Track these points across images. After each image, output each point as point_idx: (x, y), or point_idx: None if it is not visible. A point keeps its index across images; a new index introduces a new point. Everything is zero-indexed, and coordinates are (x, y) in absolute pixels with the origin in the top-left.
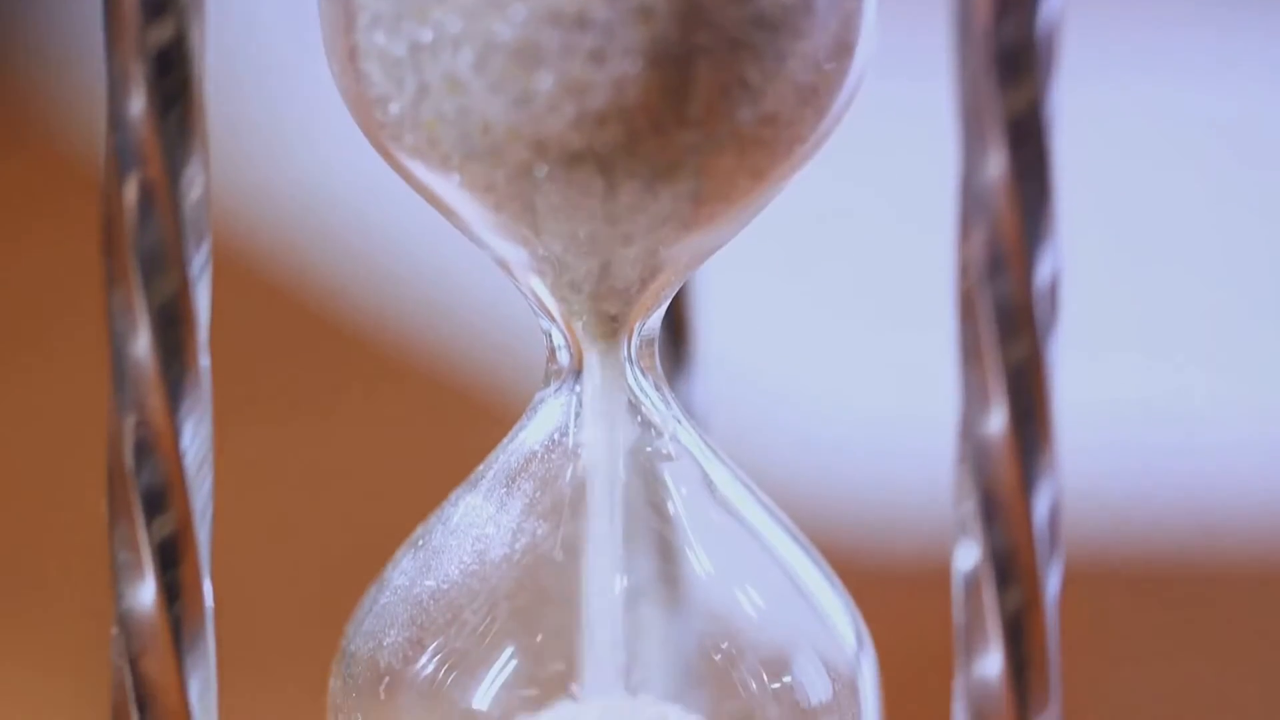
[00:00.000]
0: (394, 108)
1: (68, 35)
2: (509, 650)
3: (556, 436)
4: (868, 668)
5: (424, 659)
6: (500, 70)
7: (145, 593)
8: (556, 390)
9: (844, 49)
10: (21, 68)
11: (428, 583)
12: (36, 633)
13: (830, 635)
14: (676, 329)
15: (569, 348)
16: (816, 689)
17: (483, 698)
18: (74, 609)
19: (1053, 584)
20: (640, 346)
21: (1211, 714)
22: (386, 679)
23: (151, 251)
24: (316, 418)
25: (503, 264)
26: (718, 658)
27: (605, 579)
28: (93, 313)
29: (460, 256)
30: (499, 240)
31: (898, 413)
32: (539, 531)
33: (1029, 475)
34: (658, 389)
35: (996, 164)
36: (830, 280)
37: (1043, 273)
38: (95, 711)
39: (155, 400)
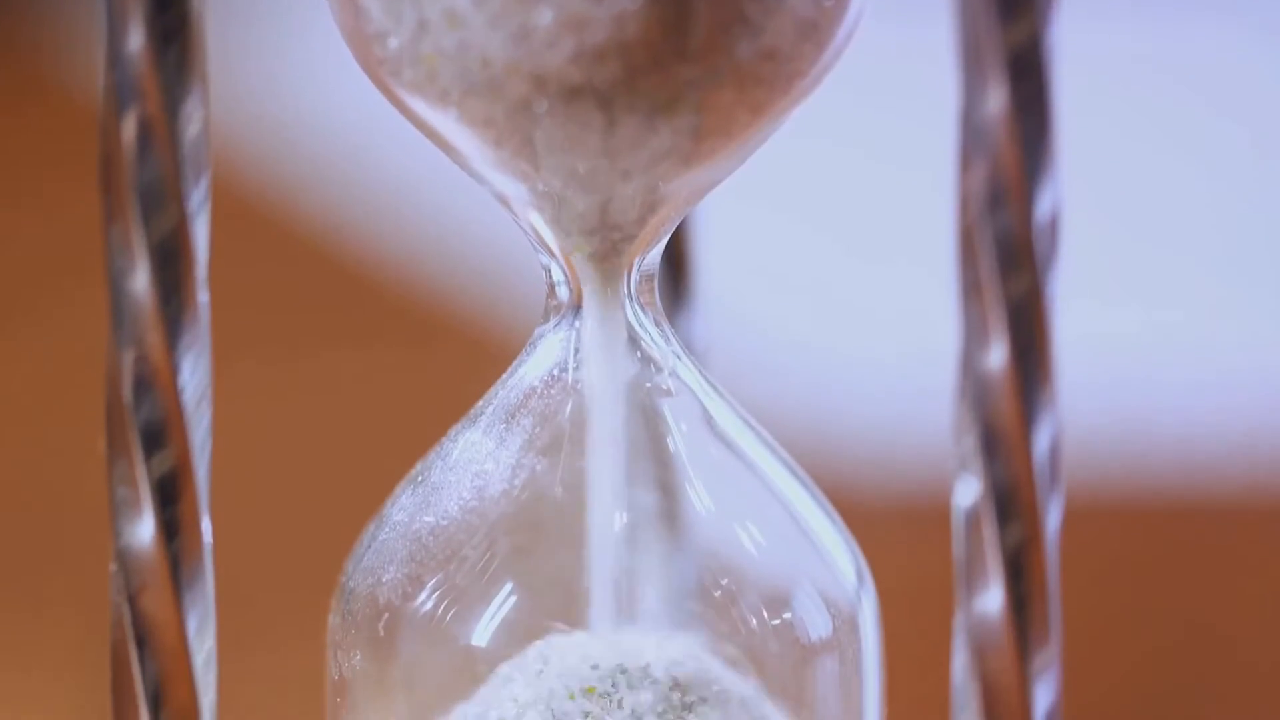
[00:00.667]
0: (393, 43)
1: None
2: (508, 586)
3: (556, 372)
4: (868, 604)
5: (423, 595)
6: (499, 5)
7: (144, 529)
8: (556, 326)
9: None
10: (22, 11)
11: (427, 519)
12: (36, 575)
13: (830, 571)
14: (676, 265)
15: (568, 283)
16: (817, 625)
17: (482, 634)
18: (73, 553)
19: (1053, 519)
20: (640, 282)
21: (1213, 645)
22: (386, 615)
23: (150, 187)
24: (316, 354)
25: (502, 199)
26: (718, 594)
27: (605, 515)
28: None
29: (459, 192)
30: (498, 175)
31: (898, 348)
32: (538, 467)
33: (1029, 410)
34: (657, 325)
35: (997, 99)
36: (829, 216)
37: (1043, 207)
38: (96, 651)
39: (154, 336)
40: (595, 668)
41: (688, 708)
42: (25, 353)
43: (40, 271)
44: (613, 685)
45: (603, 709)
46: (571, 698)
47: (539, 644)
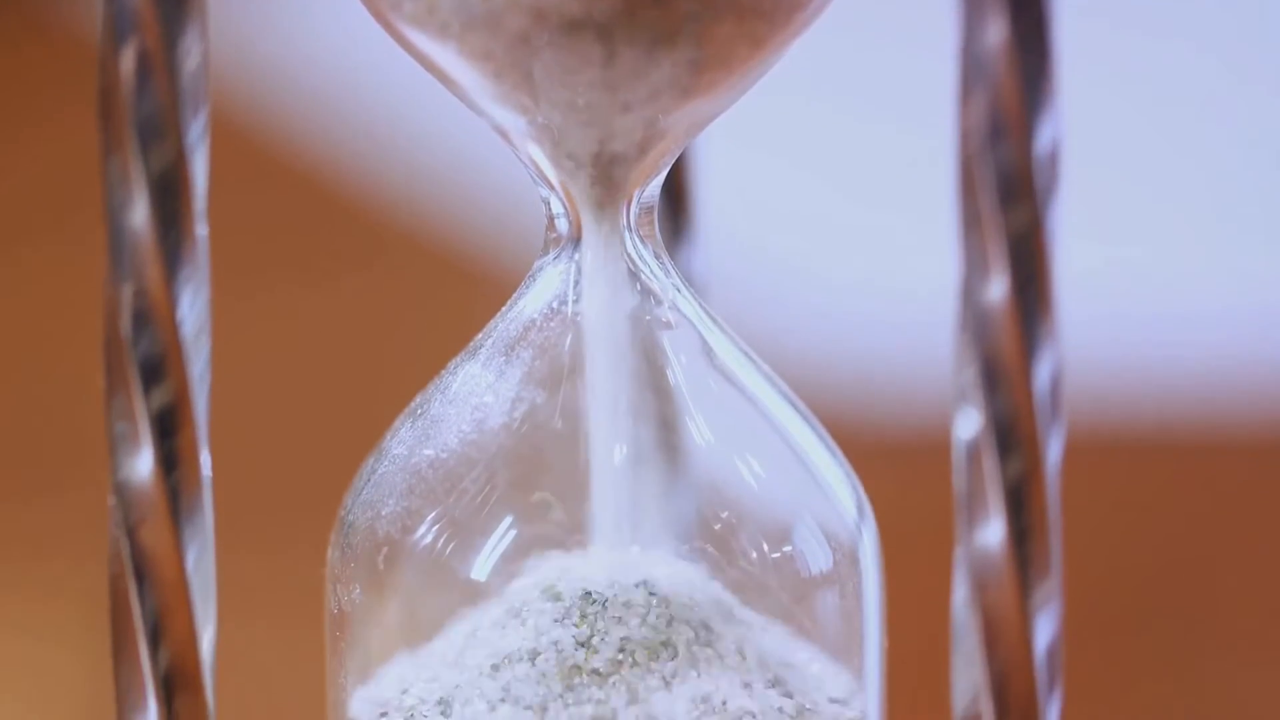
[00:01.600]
0: None
1: None
2: (508, 519)
3: (555, 304)
4: (868, 537)
5: (423, 528)
6: None
7: (143, 463)
8: (555, 258)
9: None
10: None
11: (426, 452)
12: (36, 507)
13: (831, 505)
14: (676, 198)
15: (568, 215)
16: (817, 558)
17: (481, 567)
18: (73, 482)
19: (1054, 452)
20: (639, 214)
21: (1214, 575)
22: (385, 549)
23: (149, 120)
24: (315, 287)
25: (501, 132)
26: (718, 527)
27: (605, 447)
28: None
29: (459, 124)
30: (497, 109)
31: (898, 281)
32: (538, 400)
33: (1030, 342)
34: (657, 257)
35: (996, 31)
36: (830, 149)
37: (1043, 139)
38: (97, 587)
39: (153, 269)
40: (588, 582)
41: (676, 621)
42: (25, 286)
43: (39, 206)
44: (606, 596)
45: (595, 615)
46: (558, 598)
47: (535, 561)
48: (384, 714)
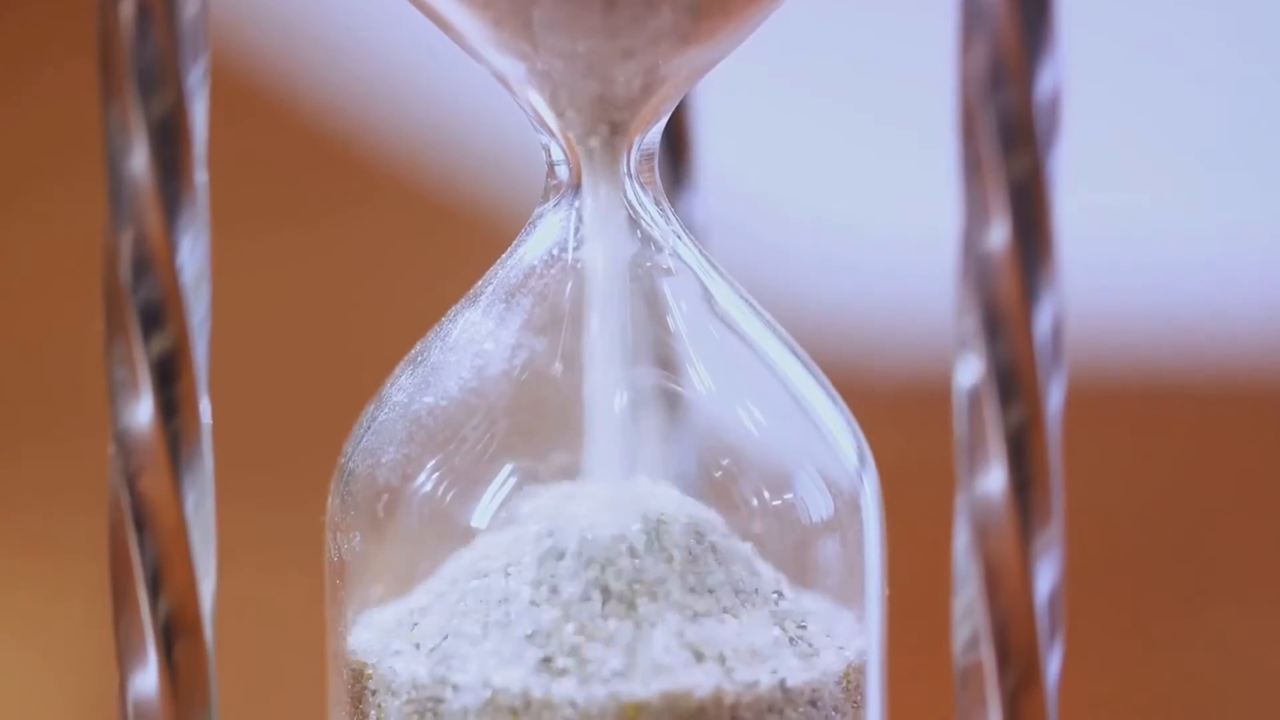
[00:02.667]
0: None
1: None
2: (508, 467)
3: (555, 252)
4: (869, 484)
5: (422, 476)
6: None
7: (142, 410)
8: (555, 205)
9: None
10: None
11: (426, 399)
12: (36, 457)
13: (832, 452)
14: (676, 145)
15: (568, 163)
16: (818, 506)
17: (482, 514)
18: (72, 431)
19: (1055, 398)
20: (640, 161)
21: (1214, 522)
22: (385, 496)
23: (148, 66)
24: (316, 235)
25: (501, 79)
26: (718, 474)
27: (605, 394)
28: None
29: (458, 71)
30: (497, 55)
31: (899, 228)
32: (538, 347)
33: (1031, 289)
34: (657, 204)
35: None
36: (830, 95)
37: (1044, 86)
38: (97, 536)
39: (152, 216)
40: (587, 516)
41: (676, 554)
42: (24, 236)
43: (39, 154)
44: (605, 530)
45: (593, 546)
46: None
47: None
48: (385, 643)
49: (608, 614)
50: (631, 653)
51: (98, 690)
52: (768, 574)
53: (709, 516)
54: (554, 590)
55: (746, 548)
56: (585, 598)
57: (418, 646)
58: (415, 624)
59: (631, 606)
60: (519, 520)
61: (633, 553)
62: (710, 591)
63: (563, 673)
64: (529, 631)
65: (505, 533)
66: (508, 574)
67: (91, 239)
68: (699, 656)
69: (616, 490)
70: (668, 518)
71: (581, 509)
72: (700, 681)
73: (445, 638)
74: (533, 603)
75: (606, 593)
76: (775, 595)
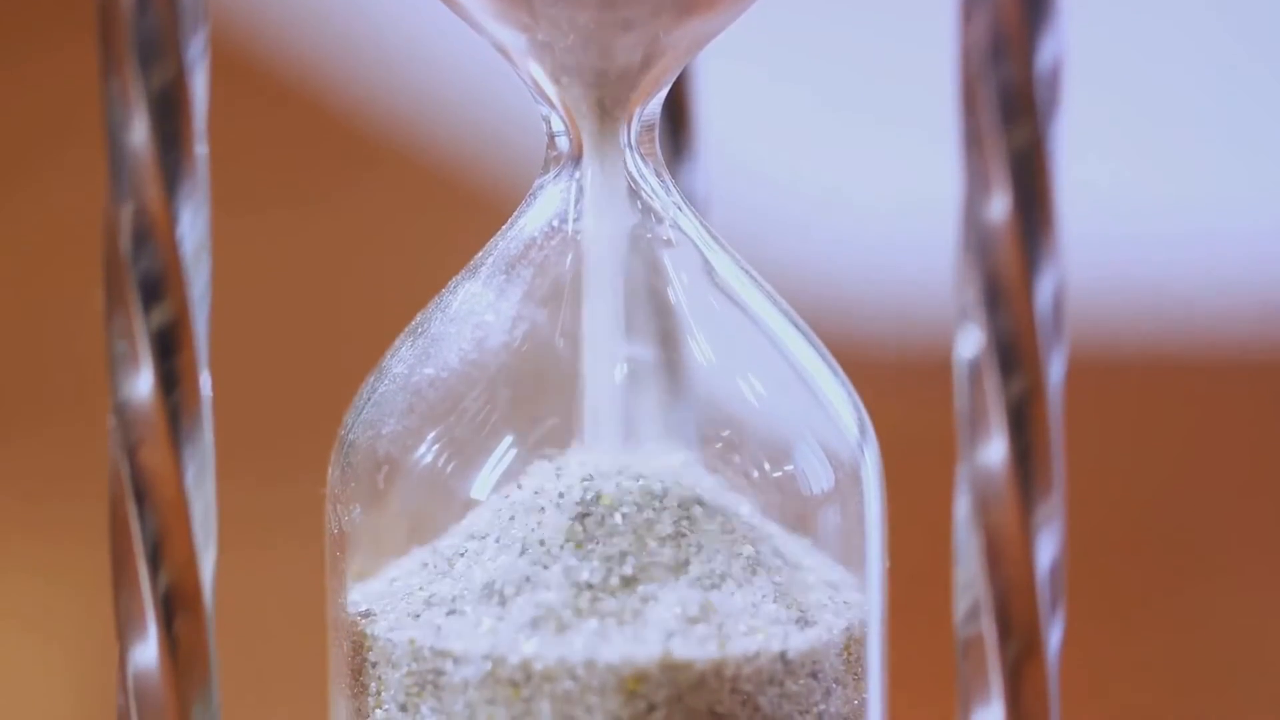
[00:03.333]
0: None
1: None
2: (508, 438)
3: (556, 223)
4: (870, 456)
5: (423, 448)
6: None
7: (142, 383)
8: (556, 176)
9: None
10: None
11: (426, 370)
12: (36, 424)
13: (832, 423)
14: (677, 117)
15: (568, 134)
16: (819, 477)
17: (482, 486)
18: (72, 412)
19: (1056, 370)
20: (640, 132)
21: (1216, 493)
22: (385, 468)
23: (148, 38)
24: (317, 206)
25: (501, 50)
26: (719, 446)
27: (605, 366)
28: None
29: (458, 42)
30: (497, 26)
31: (900, 199)
32: (538, 318)
33: (1032, 260)
34: (658, 175)
35: None
36: (831, 66)
37: (1045, 57)
38: (97, 510)
39: (152, 188)
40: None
41: (679, 514)
42: (25, 210)
43: (39, 129)
44: (604, 486)
45: (593, 504)
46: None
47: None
48: (385, 615)
49: (608, 585)
50: (632, 624)
51: (98, 669)
52: (768, 542)
53: (711, 483)
54: (553, 561)
55: (747, 513)
56: (585, 569)
57: (417, 618)
58: (415, 596)
59: (632, 577)
60: (518, 489)
61: (632, 523)
62: (711, 561)
63: (563, 645)
64: (529, 603)
65: (503, 502)
66: (507, 545)
67: (92, 212)
68: (699, 628)
69: (616, 458)
70: (669, 484)
71: (580, 477)
72: (701, 653)
73: (445, 611)
74: (529, 577)
75: (607, 563)
76: (777, 565)
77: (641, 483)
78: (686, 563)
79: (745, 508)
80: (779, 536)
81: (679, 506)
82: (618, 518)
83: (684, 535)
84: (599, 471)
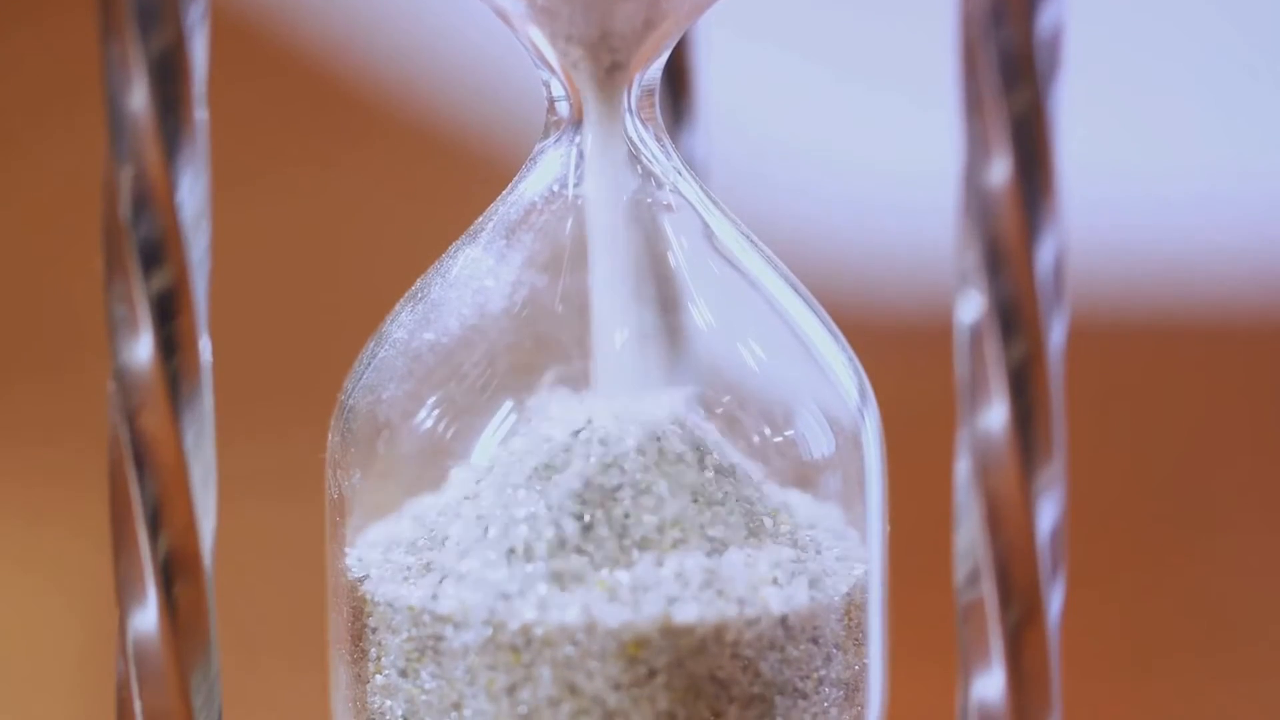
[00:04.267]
0: None
1: None
2: (508, 403)
3: (556, 188)
4: (871, 421)
5: (423, 412)
6: None
7: (142, 348)
8: (556, 141)
9: None
10: None
11: (426, 336)
12: (36, 392)
13: (833, 388)
14: (678, 81)
15: (568, 99)
16: (819, 442)
17: (482, 451)
18: (71, 368)
19: (1057, 334)
20: (640, 97)
21: (1216, 458)
22: (385, 433)
23: (148, 3)
24: (317, 172)
25: (502, 14)
26: (719, 411)
27: (606, 331)
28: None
29: (458, 6)
30: None
31: (900, 164)
32: (539, 283)
33: (1032, 224)
34: (658, 140)
35: None
36: (831, 31)
37: (1045, 21)
38: (96, 473)
39: (152, 153)
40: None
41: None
42: (25, 174)
43: (39, 93)
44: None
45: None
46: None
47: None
48: (385, 580)
49: (609, 549)
50: (632, 589)
51: (109, 622)
52: (769, 505)
53: (713, 441)
54: (553, 526)
55: (748, 475)
56: (585, 532)
57: (417, 583)
58: (414, 560)
59: (632, 541)
60: (515, 448)
61: (634, 486)
62: (713, 524)
63: (563, 610)
64: (529, 568)
65: (502, 462)
66: (506, 508)
67: (92, 177)
68: (700, 592)
69: (618, 415)
70: (670, 444)
71: (578, 432)
72: (701, 617)
73: (444, 576)
74: (530, 542)
75: (608, 526)
76: (779, 529)
77: (643, 443)
78: (688, 526)
79: (747, 469)
80: (780, 499)
81: (683, 469)
82: (619, 480)
83: (687, 496)
84: (603, 429)
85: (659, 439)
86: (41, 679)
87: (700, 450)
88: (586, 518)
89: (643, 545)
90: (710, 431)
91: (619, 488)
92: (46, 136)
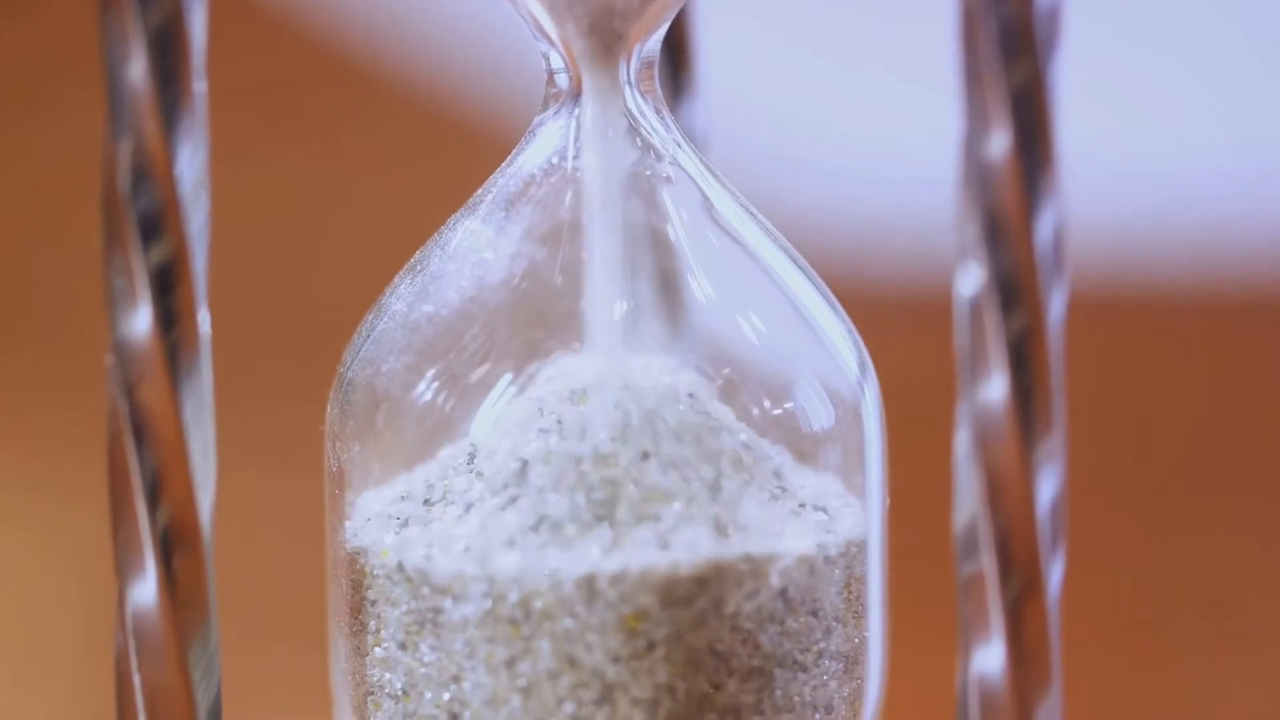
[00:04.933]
0: None
1: None
2: (507, 376)
3: (555, 160)
4: (870, 394)
5: (422, 385)
6: None
7: (141, 320)
8: (555, 114)
9: None
10: None
11: (426, 308)
12: (35, 364)
13: (833, 361)
14: (676, 53)
15: (567, 71)
16: (819, 415)
17: (481, 424)
18: (72, 346)
19: (1057, 306)
20: (640, 69)
21: (1216, 430)
22: (384, 405)
23: None
24: (316, 144)
25: None
26: (719, 383)
27: (604, 303)
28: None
29: None
30: None
31: (899, 137)
32: (538, 255)
33: (1032, 197)
34: (657, 112)
35: None
36: (831, 3)
37: None
38: (95, 444)
39: (150, 125)
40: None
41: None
42: (26, 150)
43: (39, 67)
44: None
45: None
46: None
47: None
48: (384, 551)
49: (608, 520)
50: (632, 562)
51: (109, 588)
52: (767, 464)
53: (715, 405)
54: (549, 491)
55: (747, 439)
56: (587, 495)
57: (416, 555)
58: (415, 533)
59: (629, 504)
60: (517, 412)
61: (633, 442)
62: (715, 487)
63: (562, 584)
64: (528, 537)
65: (499, 425)
66: (509, 483)
67: (91, 149)
68: (700, 566)
69: (619, 380)
70: (671, 408)
71: (573, 395)
72: (702, 591)
73: (442, 547)
74: (530, 507)
75: (606, 487)
76: (778, 494)
77: (643, 406)
78: (685, 498)
79: (749, 433)
80: (780, 463)
81: (681, 445)
82: (619, 449)
83: (683, 463)
84: (605, 400)
85: (660, 403)
86: (42, 646)
87: (696, 416)
88: (588, 481)
89: (641, 521)
90: (712, 394)
91: (620, 463)
92: (46, 109)
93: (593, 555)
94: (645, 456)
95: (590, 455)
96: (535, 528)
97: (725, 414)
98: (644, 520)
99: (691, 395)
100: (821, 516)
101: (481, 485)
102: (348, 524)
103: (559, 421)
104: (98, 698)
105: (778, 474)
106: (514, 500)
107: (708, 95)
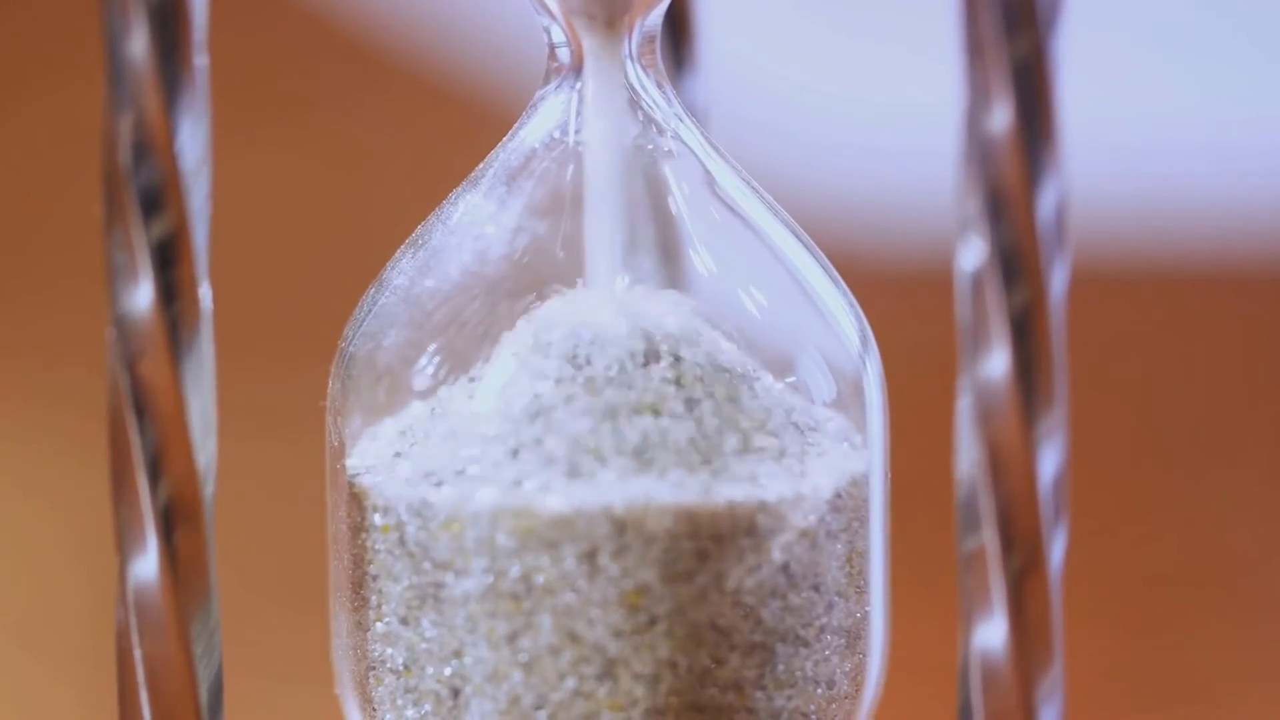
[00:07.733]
0: None
1: None
2: (509, 351)
3: (557, 134)
4: (872, 368)
5: (423, 360)
6: None
7: (142, 295)
8: (557, 88)
9: None
10: None
11: (427, 283)
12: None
13: (834, 335)
14: (678, 27)
15: (569, 44)
16: (821, 389)
17: (483, 398)
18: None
19: (1059, 281)
20: (641, 43)
21: (1219, 405)
22: (385, 380)
23: None
24: (317, 117)
25: None
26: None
27: (606, 278)
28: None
29: None
30: None
31: (900, 111)
32: (539, 230)
33: (1034, 171)
34: (659, 86)
35: None
36: None
37: None
38: (97, 423)
39: (152, 99)
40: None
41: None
42: (27, 121)
43: (39, 41)
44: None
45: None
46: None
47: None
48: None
49: (614, 460)
50: (633, 536)
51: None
52: (774, 420)
53: (725, 351)
54: (552, 435)
55: (760, 385)
56: (589, 435)
57: (418, 530)
58: (415, 508)
59: (637, 452)
60: (520, 365)
61: (631, 401)
62: (718, 441)
63: (561, 558)
64: (531, 514)
65: (500, 383)
66: (512, 457)
67: (92, 124)
68: (701, 539)
69: (628, 319)
70: (679, 354)
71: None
72: (704, 568)
73: (445, 520)
74: (534, 448)
75: (615, 435)
76: (783, 455)
77: (650, 354)
78: (686, 468)
79: (755, 380)
80: (784, 404)
81: (690, 410)
82: (627, 393)
83: (686, 417)
84: (611, 351)
85: (669, 352)
86: (42, 604)
87: (702, 361)
88: (589, 427)
89: (644, 486)
90: (720, 341)
91: (626, 430)
92: (47, 82)
93: (599, 490)
94: (641, 425)
95: (598, 404)
96: (542, 539)
97: (735, 359)
98: (641, 535)
99: (703, 341)
100: (844, 447)
101: (483, 427)
102: (349, 507)
103: (563, 370)
104: (103, 670)
105: (784, 448)
106: (521, 504)
107: (709, 69)
